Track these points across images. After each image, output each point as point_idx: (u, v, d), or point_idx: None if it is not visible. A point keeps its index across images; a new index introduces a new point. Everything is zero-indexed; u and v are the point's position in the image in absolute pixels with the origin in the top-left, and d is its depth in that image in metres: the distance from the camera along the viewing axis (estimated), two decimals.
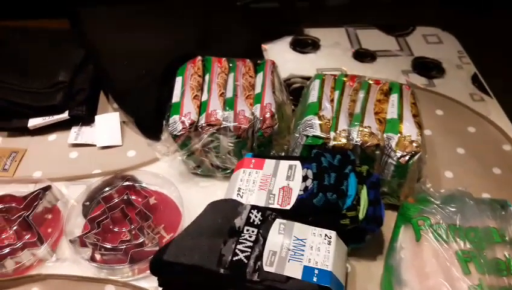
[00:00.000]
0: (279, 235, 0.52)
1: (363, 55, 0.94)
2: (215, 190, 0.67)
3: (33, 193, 0.62)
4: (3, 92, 0.71)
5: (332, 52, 0.95)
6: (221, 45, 0.82)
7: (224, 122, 0.61)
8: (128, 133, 0.75)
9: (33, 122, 0.72)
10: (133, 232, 0.58)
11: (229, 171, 0.66)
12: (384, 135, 0.59)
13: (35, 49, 0.80)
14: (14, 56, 0.78)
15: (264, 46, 0.93)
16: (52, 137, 0.74)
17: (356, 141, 0.58)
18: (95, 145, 0.73)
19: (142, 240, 0.57)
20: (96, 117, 0.75)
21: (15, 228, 0.58)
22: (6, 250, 0.55)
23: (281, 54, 0.93)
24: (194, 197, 0.65)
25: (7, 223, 0.60)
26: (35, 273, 0.56)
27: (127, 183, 0.65)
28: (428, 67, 0.91)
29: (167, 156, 0.66)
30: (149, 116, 0.72)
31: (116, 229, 0.60)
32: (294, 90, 0.84)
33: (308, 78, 0.86)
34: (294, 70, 0.89)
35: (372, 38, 0.99)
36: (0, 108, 0.71)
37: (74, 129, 0.74)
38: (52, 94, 0.72)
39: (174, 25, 0.84)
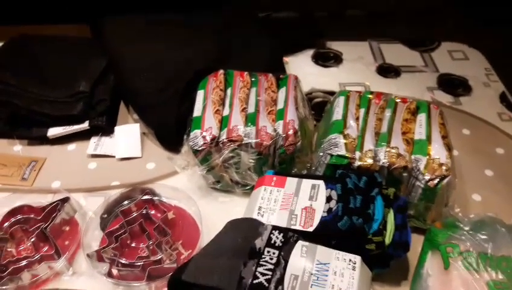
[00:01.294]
0: (301, 259, 0.50)
1: (386, 70, 0.92)
2: (234, 206, 0.65)
3: (51, 204, 0.61)
4: (23, 101, 0.71)
5: (355, 67, 0.93)
6: (242, 58, 0.81)
7: (245, 139, 0.60)
8: (148, 145, 0.74)
9: (53, 131, 0.72)
10: (151, 248, 0.57)
11: (248, 187, 0.65)
12: (412, 157, 0.57)
13: (56, 57, 0.80)
14: (34, 64, 0.78)
15: (286, 59, 0.92)
16: (72, 147, 0.74)
17: (383, 162, 0.56)
18: (114, 157, 0.72)
19: (160, 256, 0.56)
20: (116, 128, 0.74)
21: (33, 239, 0.58)
22: (24, 262, 0.55)
23: (302, 67, 0.92)
24: (212, 213, 0.64)
25: (25, 234, 0.59)
26: (51, 287, 0.55)
27: (145, 197, 0.63)
28: (454, 85, 0.89)
29: (186, 170, 0.65)
30: (170, 129, 0.71)
31: (134, 245, 0.59)
32: (316, 105, 0.82)
33: (330, 93, 0.85)
34: (315, 84, 0.87)
35: (396, 53, 0.97)
36: (21, 116, 0.71)
37: (94, 140, 0.74)
38: (73, 104, 0.72)
39: (195, 36, 0.83)
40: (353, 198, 0.53)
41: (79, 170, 0.70)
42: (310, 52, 0.96)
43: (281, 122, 0.62)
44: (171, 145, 0.72)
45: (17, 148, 0.74)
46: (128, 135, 0.74)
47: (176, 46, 0.81)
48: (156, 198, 0.64)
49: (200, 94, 0.67)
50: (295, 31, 0.99)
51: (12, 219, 0.60)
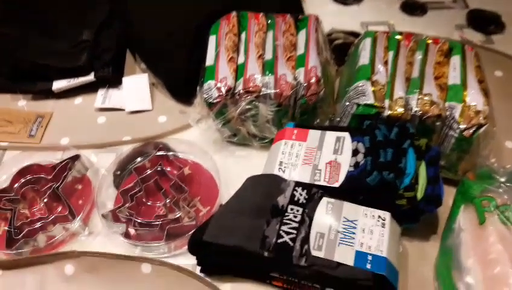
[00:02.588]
0: (326, 216, 0.48)
1: (412, 7, 0.84)
2: (252, 160, 0.62)
3: (62, 162, 0.59)
4: (25, 53, 0.66)
5: (377, 4, 0.86)
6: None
7: (263, 89, 0.55)
8: (158, 96, 0.70)
9: (58, 84, 0.68)
10: (168, 206, 0.55)
11: (267, 140, 0.61)
12: (446, 104, 0.53)
13: (56, 5, 0.74)
14: (35, 14, 0.73)
15: None
16: (78, 100, 0.70)
17: (415, 111, 0.52)
18: (123, 110, 0.68)
19: (178, 214, 0.54)
20: (124, 79, 0.70)
21: (45, 200, 0.56)
22: (38, 224, 0.53)
23: (320, 6, 0.85)
24: (229, 168, 0.61)
25: (36, 195, 0.57)
26: (67, 249, 0.53)
27: (159, 152, 0.60)
28: (485, 22, 0.81)
29: (200, 124, 0.61)
30: (180, 78, 0.66)
31: (150, 203, 0.57)
32: (337, 48, 0.76)
33: (352, 34, 0.78)
34: (335, 24, 0.80)
35: None
36: (23, 70, 0.67)
37: (101, 92, 0.70)
38: (76, 54, 0.67)
39: None
40: (383, 151, 0.49)
41: (88, 125, 0.67)
42: None
43: (302, 69, 0.56)
44: (182, 96, 0.68)
45: (22, 103, 0.70)
46: (137, 87, 0.69)
47: None
48: (170, 153, 0.61)
49: (212, 40, 0.62)
50: None
51: (22, 179, 0.58)
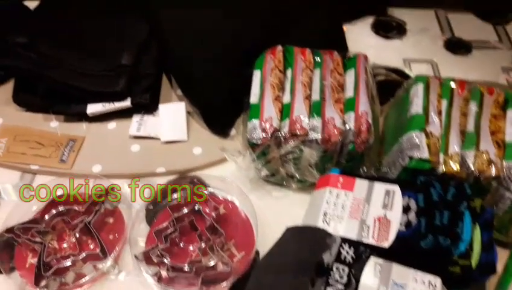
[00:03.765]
0: (374, 278, 0.45)
1: (456, 46, 0.82)
2: (289, 202, 0.60)
3: (95, 194, 0.57)
4: (61, 74, 0.64)
5: (420, 40, 0.83)
6: (299, 28, 0.71)
7: (310, 132, 0.53)
8: (194, 126, 0.68)
9: (92, 108, 0.66)
10: (203, 249, 0.52)
11: (306, 183, 0.58)
12: (504, 163, 0.50)
13: (92, 21, 0.72)
14: (70, 30, 0.71)
15: (343, 28, 0.82)
16: (112, 125, 0.68)
17: (471, 170, 0.49)
18: (158, 139, 0.66)
19: (214, 261, 0.51)
20: (161, 106, 0.68)
21: (77, 235, 0.53)
22: (68, 262, 0.51)
23: (361, 38, 0.82)
24: (265, 209, 0.58)
25: (67, 227, 0.55)
26: (97, 287, 0.51)
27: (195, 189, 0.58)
28: None
29: (237, 159, 0.59)
30: (218, 109, 0.64)
31: (184, 245, 0.54)
32: (378, 84, 0.73)
33: (394, 71, 0.76)
34: (376, 59, 0.77)
35: (467, 26, 0.86)
36: (58, 91, 0.65)
37: (136, 118, 0.68)
38: (114, 78, 0.65)
39: (251, 4, 0.73)
40: (439, 213, 0.46)
41: (121, 152, 0.65)
42: (370, 20, 0.86)
43: (351, 114, 0.54)
44: (218, 127, 0.66)
45: (54, 124, 0.68)
46: (173, 115, 0.67)
47: (227, 11, 0.71)
48: (206, 191, 0.59)
49: (256, 75, 0.60)
50: None
51: (54, 211, 0.56)
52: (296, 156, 0.55)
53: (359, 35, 0.83)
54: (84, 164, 0.64)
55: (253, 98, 0.57)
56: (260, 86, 0.58)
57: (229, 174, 0.62)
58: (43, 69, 0.64)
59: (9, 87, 0.72)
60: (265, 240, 0.54)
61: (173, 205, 0.56)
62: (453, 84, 0.57)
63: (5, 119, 0.69)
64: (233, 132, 0.67)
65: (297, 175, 0.57)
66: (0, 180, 0.62)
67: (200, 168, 0.63)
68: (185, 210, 0.55)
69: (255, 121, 0.54)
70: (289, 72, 0.59)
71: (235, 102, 0.65)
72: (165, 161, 0.64)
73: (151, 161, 0.64)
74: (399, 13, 0.87)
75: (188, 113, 0.69)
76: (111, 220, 0.57)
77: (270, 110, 0.55)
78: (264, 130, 0.53)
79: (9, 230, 0.53)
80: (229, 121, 0.66)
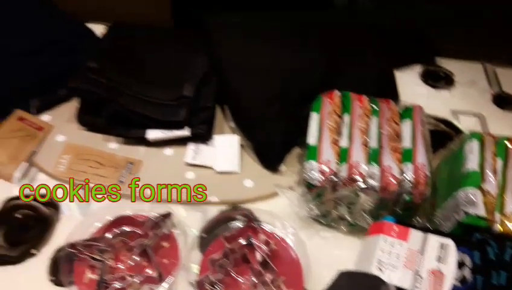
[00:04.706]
0: None
1: (503, 101, 0.83)
2: (338, 245, 0.61)
3: (154, 218, 0.59)
4: (127, 100, 0.68)
5: (468, 92, 0.85)
6: (352, 73, 0.74)
7: (368, 179, 0.55)
8: (246, 159, 0.70)
9: (152, 134, 0.69)
10: (255, 284, 0.54)
11: (356, 227, 0.60)
12: None
13: (157, 52, 0.76)
14: (136, 59, 0.75)
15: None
16: (168, 151, 0.71)
17: None
18: (211, 168, 0.69)
19: None
20: (216, 137, 0.71)
21: (135, 257, 0.56)
22: (126, 283, 0.53)
23: (410, 86, 0.84)
24: (314, 249, 0.59)
25: (126, 249, 0.57)
26: None
27: (247, 223, 0.60)
28: None
29: (288, 195, 0.61)
30: (274, 147, 0.67)
31: (236, 277, 0.56)
32: None
33: (442, 121, 0.77)
34: (425, 108, 0.79)
35: None
36: (122, 116, 0.69)
37: (191, 147, 0.71)
38: (175, 108, 0.69)
39: (303, 43, 0.77)
40: (496, 273, 0.47)
41: (176, 178, 0.67)
42: (418, 69, 0.88)
43: (409, 165, 0.56)
44: (271, 162, 0.68)
45: (113, 146, 0.72)
46: (227, 147, 0.70)
47: (284, 52, 0.75)
48: (258, 224, 0.61)
49: (314, 117, 0.62)
50: (403, 43, 0.91)
51: (115, 230, 0.58)
52: (350, 200, 0.56)
53: (408, 83, 0.85)
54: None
55: (311, 140, 0.60)
56: (318, 128, 0.61)
57: (279, 209, 0.64)
58: (111, 94, 0.68)
59: (71, 106, 0.76)
60: (313, 280, 0.56)
61: (227, 235, 0.58)
62: (508, 144, 0.59)
63: (68, 136, 0.73)
64: (283, 167, 0.69)
65: (349, 219, 0.59)
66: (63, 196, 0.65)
67: (251, 201, 0.66)
68: (239, 242, 0.57)
69: (313, 163, 0.57)
70: (346, 117, 0.62)
71: (288, 139, 0.68)
72: (217, 191, 0.66)
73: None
74: (447, 64, 0.89)
75: (241, 146, 0.72)
76: (166, 244, 0.59)
77: (328, 153, 0.57)
78: (322, 172, 0.55)
79: (73, 245, 0.56)
80: (280, 157, 0.68)
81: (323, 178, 0.55)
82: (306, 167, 0.57)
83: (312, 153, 0.58)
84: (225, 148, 0.70)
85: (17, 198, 0.65)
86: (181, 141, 0.71)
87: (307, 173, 0.56)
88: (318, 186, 0.56)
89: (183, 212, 0.64)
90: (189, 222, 0.62)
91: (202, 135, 0.70)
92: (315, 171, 0.56)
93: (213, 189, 0.66)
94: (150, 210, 0.62)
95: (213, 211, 0.64)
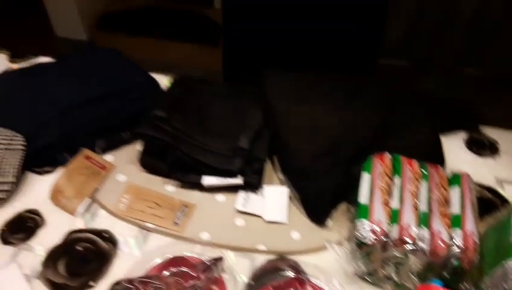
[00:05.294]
0: None
1: None
2: None
3: (206, 261, 0.62)
4: (188, 148, 0.73)
5: None
6: (401, 137, 0.77)
7: (419, 242, 0.56)
8: (294, 211, 0.73)
9: (208, 181, 0.74)
10: None
11: (402, 287, 0.61)
12: None
13: (219, 107, 0.82)
14: (198, 110, 0.82)
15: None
16: (220, 197, 0.75)
17: None
18: (260, 217, 0.72)
19: None
20: (266, 187, 0.75)
21: None
22: None
23: (455, 152, 0.87)
24: None
25: (179, 288, 0.60)
26: None
27: (295, 274, 0.62)
28: None
29: (336, 250, 0.63)
30: (321, 200, 0.70)
31: None
32: None
33: (487, 189, 0.78)
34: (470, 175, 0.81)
35: None
36: (182, 162, 0.74)
37: (242, 194, 0.75)
38: (231, 158, 0.74)
39: (355, 104, 0.82)
40: None
41: (227, 224, 0.71)
42: (463, 136, 0.90)
43: (458, 231, 0.57)
44: (318, 217, 0.71)
45: (169, 188, 0.76)
46: (276, 198, 0.74)
47: (336, 112, 0.79)
48: (304, 277, 0.63)
49: (365, 177, 0.65)
50: (449, 110, 0.94)
51: (171, 269, 0.62)
52: (399, 261, 0.58)
53: (452, 149, 0.87)
54: (194, 229, 0.70)
55: (363, 199, 0.62)
56: (369, 188, 0.63)
57: (326, 264, 0.66)
58: (175, 141, 0.73)
59: (133, 148, 0.82)
60: None
61: (275, 285, 0.60)
62: None
63: (128, 176, 0.78)
64: (329, 222, 0.71)
65: (396, 279, 0.60)
66: (121, 232, 0.70)
67: (298, 253, 0.68)
68: None
69: (365, 221, 0.59)
70: (397, 180, 0.64)
71: (336, 195, 0.71)
72: (265, 239, 0.69)
73: (253, 237, 0.69)
74: (492, 132, 0.91)
75: (289, 198, 0.75)
76: (216, 288, 0.62)
77: (379, 213, 0.59)
78: (373, 231, 0.58)
79: (130, 281, 0.59)
80: (328, 212, 0.71)
81: (374, 237, 0.57)
82: (357, 225, 0.59)
83: (363, 212, 0.60)
84: (274, 199, 0.73)
85: (79, 231, 0.70)
86: (233, 189, 0.75)
87: (358, 231, 0.59)
88: (368, 244, 0.58)
89: (233, 258, 0.67)
90: (238, 268, 0.65)
91: (253, 184, 0.74)
92: (366, 230, 0.58)
93: (261, 237, 0.69)
94: (201, 252, 0.66)
95: (260, 259, 0.67)
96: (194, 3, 2.54)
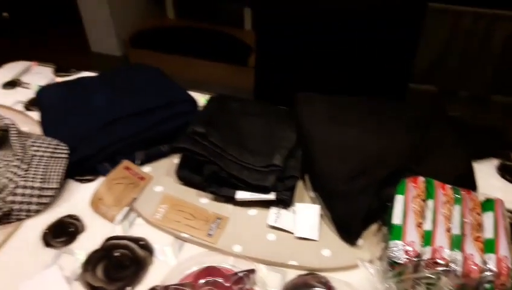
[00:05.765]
0: None
1: None
2: None
3: (240, 273, 0.64)
4: (225, 163, 0.76)
5: None
6: (433, 161, 0.78)
7: (451, 264, 0.57)
8: (324, 228, 0.75)
9: (241, 195, 0.76)
10: None
11: None
12: None
13: (254, 125, 0.85)
14: (233, 126, 0.84)
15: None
16: (252, 212, 0.77)
17: None
18: (291, 233, 0.73)
19: None
20: (298, 205, 0.76)
21: None
22: None
23: (487, 179, 0.86)
24: None
25: None
26: None
27: None
28: None
29: (366, 268, 0.64)
30: (354, 220, 0.71)
31: None
32: None
33: None
34: None
35: None
36: (218, 176, 0.76)
37: (274, 210, 0.76)
38: (265, 174, 0.76)
39: (388, 128, 0.83)
40: None
41: (258, 238, 0.73)
42: (495, 163, 0.90)
43: (492, 255, 0.58)
44: (349, 236, 0.72)
45: (203, 201, 0.79)
46: (308, 215, 0.75)
47: (368, 135, 0.81)
48: None
49: (399, 199, 0.66)
50: (480, 136, 0.94)
51: (207, 278, 0.64)
52: (430, 282, 0.59)
53: (484, 175, 0.87)
54: (227, 241, 0.72)
55: (396, 220, 0.63)
56: (403, 209, 0.65)
57: (356, 282, 0.66)
58: (212, 156, 0.76)
59: (170, 161, 0.86)
60: None
61: None
62: None
63: (165, 188, 0.81)
64: (360, 241, 0.72)
65: None
66: (157, 241, 0.72)
67: (328, 270, 0.69)
68: None
69: (398, 242, 0.60)
70: (430, 203, 0.65)
71: (368, 215, 0.72)
72: (296, 255, 0.70)
73: (284, 252, 0.71)
74: None
75: (321, 215, 0.76)
76: None
77: (412, 235, 0.60)
78: (406, 252, 0.59)
79: (166, 288, 0.62)
80: (360, 231, 0.72)
81: (407, 257, 0.58)
82: (391, 245, 0.60)
83: (397, 232, 0.61)
84: (306, 216, 0.75)
85: (117, 238, 0.73)
86: (264, 204, 0.77)
87: (392, 251, 0.60)
88: (401, 264, 0.59)
89: (264, 271, 0.68)
90: (268, 281, 0.66)
91: (286, 201, 0.76)
92: (400, 250, 0.59)
93: (292, 253, 0.71)
94: (233, 264, 0.68)
95: (291, 275, 0.68)
96: (225, 25, 2.61)
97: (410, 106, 0.92)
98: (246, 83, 1.32)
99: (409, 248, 0.59)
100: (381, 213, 0.71)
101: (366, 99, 0.90)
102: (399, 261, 0.59)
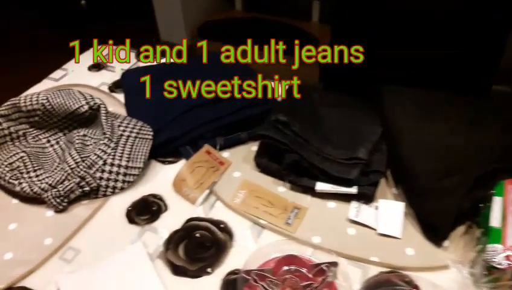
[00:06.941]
0: None
1: None
2: None
3: (322, 264, 0.63)
4: (306, 153, 0.75)
5: None
6: None
7: None
8: (408, 227, 0.72)
9: (321, 186, 0.75)
10: None
11: None
12: None
13: (337, 117, 0.84)
14: (319, 120, 0.83)
15: None
16: (331, 205, 0.76)
17: None
18: (373, 229, 0.71)
19: None
20: (381, 201, 0.74)
21: None
22: None
23: None
24: None
25: (293, 288, 0.62)
26: None
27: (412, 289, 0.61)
28: None
29: (455, 269, 0.61)
30: (444, 221, 0.67)
31: None
32: None
33: None
34: None
35: None
36: (298, 165, 0.75)
37: (354, 204, 0.74)
38: (348, 167, 0.74)
39: (478, 125, 0.78)
40: None
41: (338, 231, 0.71)
42: None
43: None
44: (435, 236, 0.69)
45: (281, 189, 0.79)
46: (391, 212, 0.72)
47: (460, 132, 0.77)
48: None
49: (497, 201, 0.62)
50: None
51: (286, 267, 0.63)
52: None
53: None
54: (305, 232, 0.71)
55: (495, 222, 0.60)
56: (501, 212, 0.60)
57: (442, 283, 0.63)
58: (294, 145, 0.76)
59: (247, 148, 0.86)
60: None
61: None
62: None
63: (243, 174, 0.82)
64: (446, 242, 0.69)
65: None
66: (235, 225, 0.73)
67: (412, 270, 0.66)
68: None
69: (497, 246, 0.56)
70: None
71: (459, 215, 0.68)
72: (378, 252, 0.68)
73: (366, 248, 0.69)
74: None
75: (404, 214, 0.73)
76: None
77: None
78: (508, 257, 0.55)
79: (248, 272, 0.62)
80: (448, 232, 0.69)
81: (508, 263, 0.55)
82: (489, 249, 0.57)
83: (496, 236, 0.58)
84: (389, 213, 0.72)
85: (198, 219, 0.74)
86: (344, 197, 0.76)
87: (490, 255, 0.56)
88: (500, 269, 0.55)
89: (345, 265, 0.67)
90: (349, 276, 0.65)
91: (368, 196, 0.74)
92: (499, 255, 0.56)
93: (374, 249, 0.68)
94: (312, 255, 0.67)
95: (372, 271, 0.66)
96: (292, 17, 2.59)
97: (502, 106, 0.86)
98: (313, 76, 1.30)
99: (510, 253, 0.55)
100: (471, 214, 0.67)
101: (453, 96, 0.85)
102: (498, 267, 0.55)
